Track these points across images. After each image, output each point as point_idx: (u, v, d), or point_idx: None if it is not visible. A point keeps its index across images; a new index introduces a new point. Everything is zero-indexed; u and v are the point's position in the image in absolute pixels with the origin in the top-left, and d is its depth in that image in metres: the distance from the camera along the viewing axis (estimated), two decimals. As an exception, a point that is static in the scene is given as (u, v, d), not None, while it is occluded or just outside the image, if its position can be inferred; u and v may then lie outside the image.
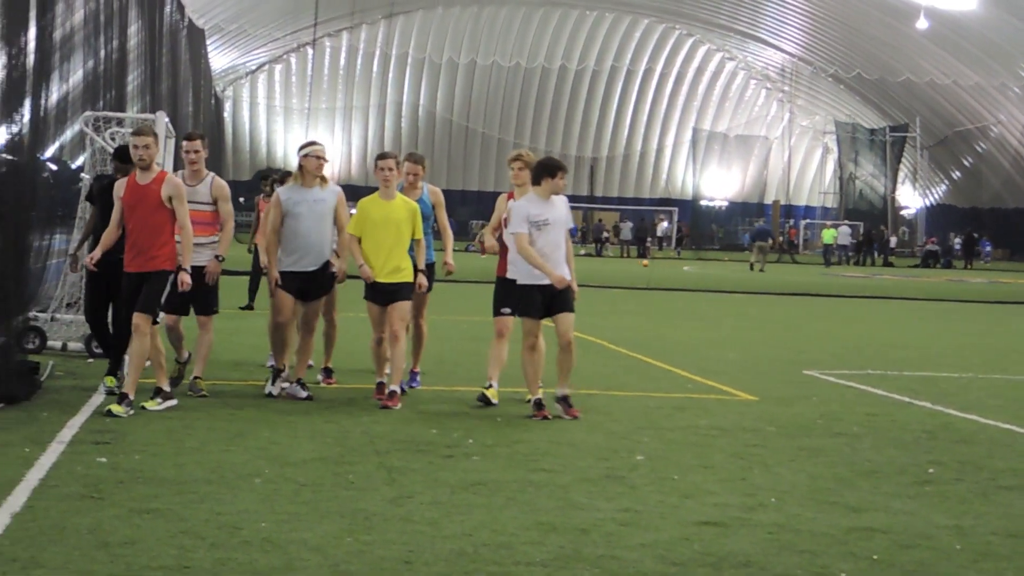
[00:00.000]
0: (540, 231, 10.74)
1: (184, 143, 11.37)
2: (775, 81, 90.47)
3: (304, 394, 11.09)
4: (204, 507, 6.88)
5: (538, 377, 10.95)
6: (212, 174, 11.44)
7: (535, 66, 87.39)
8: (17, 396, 10.02)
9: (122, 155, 11.22)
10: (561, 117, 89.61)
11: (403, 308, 11.12)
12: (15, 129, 11.51)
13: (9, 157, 11.53)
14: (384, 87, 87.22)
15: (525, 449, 9.17)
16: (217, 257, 11.15)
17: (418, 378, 12.21)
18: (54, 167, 19.34)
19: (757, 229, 56.42)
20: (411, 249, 11.38)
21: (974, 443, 10.31)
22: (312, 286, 11.29)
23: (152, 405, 10.10)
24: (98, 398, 10.69)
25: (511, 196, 11.49)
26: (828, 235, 65.05)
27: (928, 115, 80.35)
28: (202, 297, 11.10)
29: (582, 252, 63.59)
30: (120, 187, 10.32)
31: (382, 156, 11.30)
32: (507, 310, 11.27)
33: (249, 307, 20.39)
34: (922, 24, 64.56)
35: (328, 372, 12.25)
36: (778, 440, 10.07)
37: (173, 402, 10.34)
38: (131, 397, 9.94)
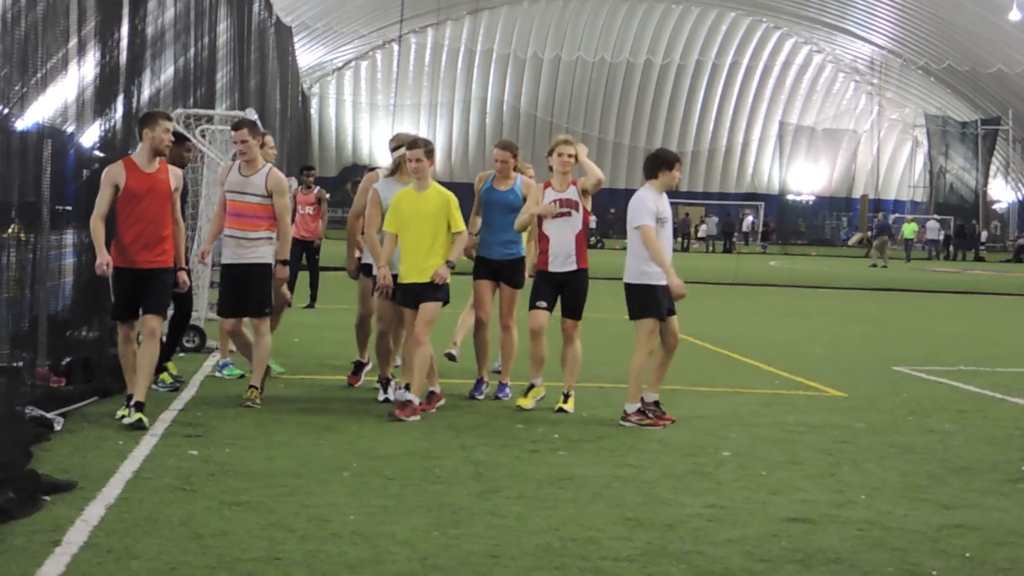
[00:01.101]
0: (661, 228, 10.10)
1: (232, 133, 10.83)
2: (864, 74, 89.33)
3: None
4: (293, 500, 6.96)
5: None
6: (270, 165, 10.82)
7: (620, 61, 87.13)
8: (111, 390, 10.19)
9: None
10: (646, 112, 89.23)
11: (429, 310, 10.17)
12: (108, 126, 11.73)
13: (101, 154, 11.73)
14: (469, 83, 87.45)
15: (611, 444, 9.16)
16: (281, 262, 10.53)
17: (507, 389, 11.30)
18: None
19: (880, 224, 55.47)
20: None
21: (1069, 440, 10.12)
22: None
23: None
24: (191, 391, 10.84)
25: (548, 185, 10.72)
26: (908, 229, 64.05)
27: (1021, 107, 78.86)
28: (255, 298, 10.45)
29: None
30: (117, 174, 9.45)
31: (411, 145, 10.39)
32: (543, 304, 10.66)
33: (311, 306, 19.89)
34: (1015, 15, 63.37)
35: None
36: (867, 437, 9.96)
37: None
38: (143, 401, 9.26)
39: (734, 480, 8.06)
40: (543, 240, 10.73)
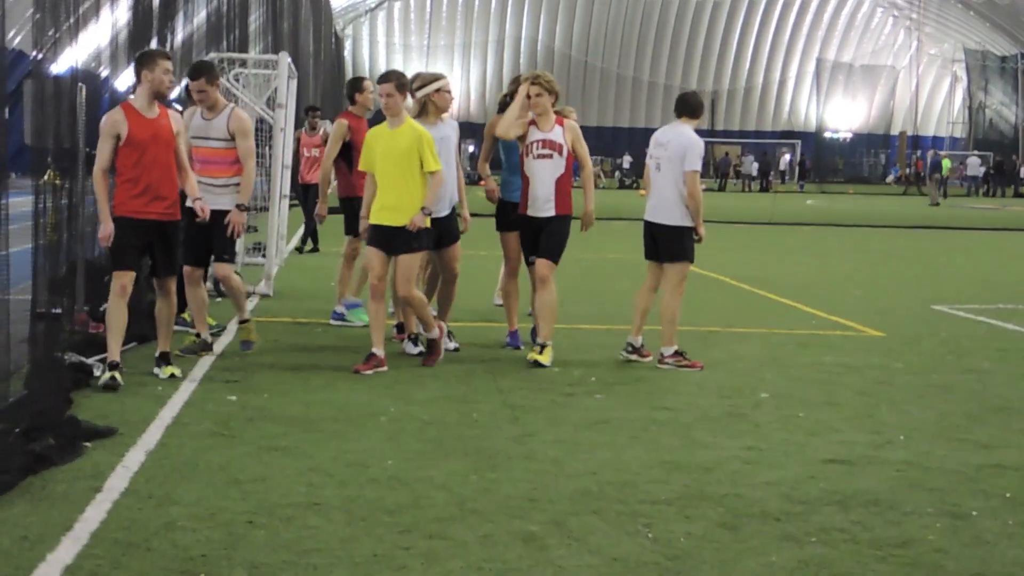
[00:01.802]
0: None
1: (189, 82, 10.15)
2: (902, 8, 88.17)
3: (416, 350, 10.30)
4: (332, 445, 6.98)
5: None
6: (231, 105, 10.31)
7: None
8: (149, 336, 10.21)
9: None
10: (681, 49, 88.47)
11: (407, 266, 9.61)
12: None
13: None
14: (503, 22, 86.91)
15: (647, 387, 9.15)
16: (240, 207, 9.94)
17: (517, 337, 10.82)
18: (179, 108, 19.71)
19: (932, 161, 54.85)
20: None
21: (1110, 379, 10.04)
22: (446, 232, 10.31)
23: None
24: (227, 337, 10.87)
25: (533, 123, 10.22)
26: (944, 165, 63.49)
27: (1062, 40, 77.75)
28: (219, 244, 9.98)
29: (703, 187, 62.94)
30: (118, 122, 8.74)
31: (381, 79, 9.76)
32: (533, 259, 10.28)
33: (315, 249, 19.79)
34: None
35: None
36: (906, 377, 9.91)
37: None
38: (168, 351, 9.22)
39: (771, 422, 8.04)
40: (524, 182, 10.26)
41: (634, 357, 10.24)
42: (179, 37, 14.73)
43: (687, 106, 10.32)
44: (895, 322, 13.17)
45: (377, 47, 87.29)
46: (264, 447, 6.87)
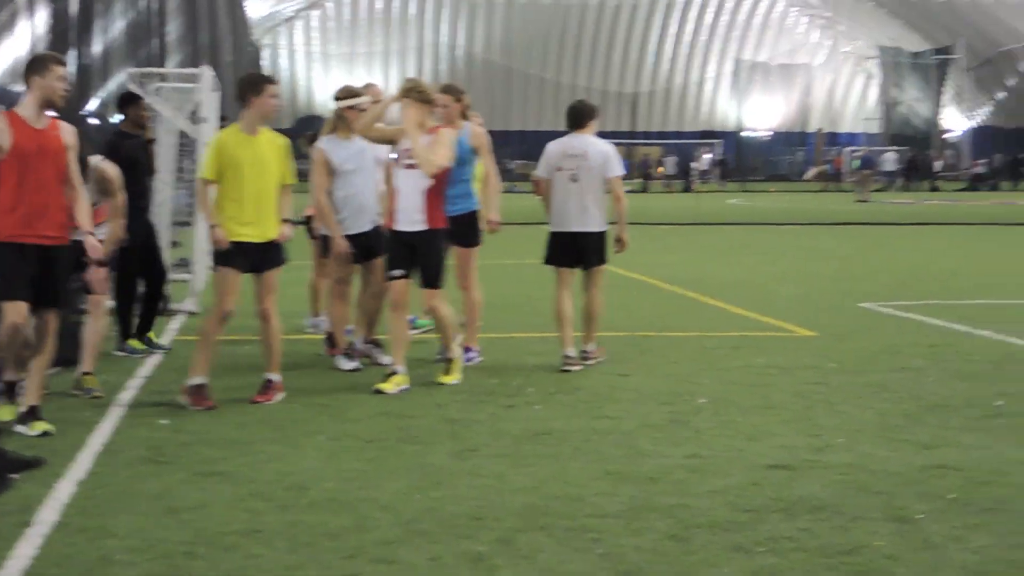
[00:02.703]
0: None
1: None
2: (816, 7, 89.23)
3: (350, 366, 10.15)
4: (270, 467, 6.84)
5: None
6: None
7: (573, 2, 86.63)
8: (73, 359, 9.94)
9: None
10: (601, 52, 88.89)
11: (276, 280, 9.13)
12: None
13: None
14: (422, 29, 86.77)
15: (586, 396, 9.09)
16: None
17: (473, 353, 10.54)
18: (96, 121, 19.29)
19: (863, 158, 55.44)
20: None
21: (1041, 373, 10.14)
22: (376, 245, 10.13)
23: None
24: (155, 357, 10.66)
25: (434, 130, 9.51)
26: (856, 163, 64.60)
27: (972, 36, 79.02)
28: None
29: (627, 188, 63.18)
30: (1, 131, 7.63)
31: (269, 80, 9.24)
32: (398, 272, 9.64)
33: None
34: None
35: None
36: (840, 377, 9.94)
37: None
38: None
39: (711, 428, 8.01)
40: (391, 195, 9.65)
41: (591, 362, 10.38)
42: (97, 48, 14.48)
43: (589, 114, 10.54)
44: (825, 321, 13.23)
45: (296, 56, 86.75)
46: (200, 472, 6.71)
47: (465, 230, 10.37)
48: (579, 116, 10.51)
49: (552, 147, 10.65)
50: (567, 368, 10.13)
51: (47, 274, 7.78)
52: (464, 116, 10.28)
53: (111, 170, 9.46)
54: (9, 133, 7.63)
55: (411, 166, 9.39)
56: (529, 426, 7.99)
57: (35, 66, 7.89)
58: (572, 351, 10.27)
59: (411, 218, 9.42)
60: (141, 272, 10.90)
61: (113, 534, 5.59)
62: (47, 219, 7.73)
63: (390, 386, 9.16)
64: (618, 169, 10.46)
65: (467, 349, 10.43)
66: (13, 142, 7.63)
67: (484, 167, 10.60)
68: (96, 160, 9.50)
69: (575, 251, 10.43)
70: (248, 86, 9.00)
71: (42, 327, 7.90)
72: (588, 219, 10.34)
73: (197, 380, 8.65)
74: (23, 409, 7.82)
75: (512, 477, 6.68)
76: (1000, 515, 6.03)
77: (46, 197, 7.73)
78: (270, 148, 8.93)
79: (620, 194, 10.45)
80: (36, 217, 7.68)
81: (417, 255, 9.50)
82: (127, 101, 11.37)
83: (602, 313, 10.59)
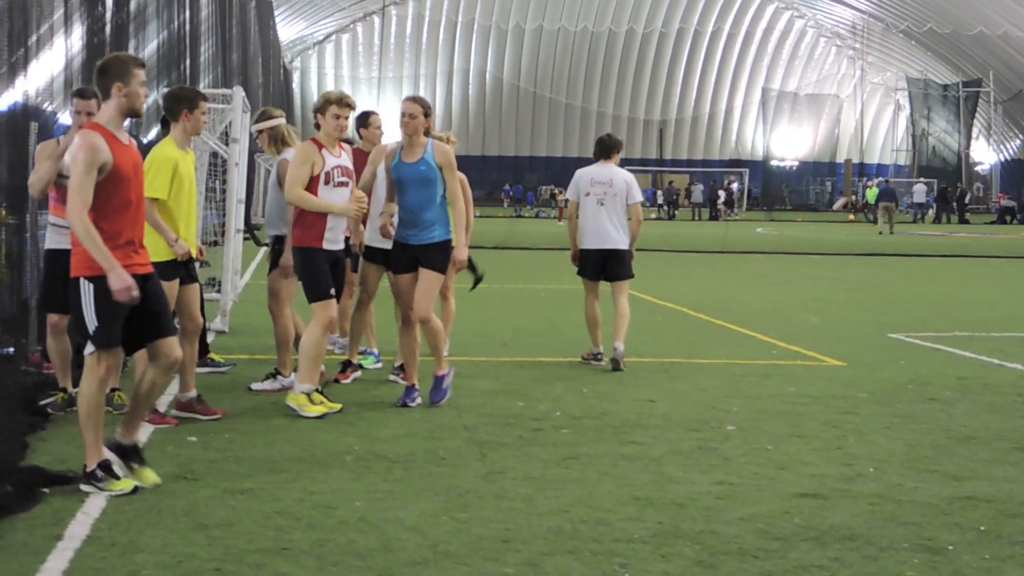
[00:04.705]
0: None
1: (76, 100, 8.57)
2: (845, 38, 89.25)
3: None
4: (298, 486, 6.84)
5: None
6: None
7: (602, 30, 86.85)
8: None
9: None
10: (629, 80, 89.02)
11: (197, 292, 9.09)
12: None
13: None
14: (451, 54, 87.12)
15: (614, 421, 9.06)
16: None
17: (445, 383, 9.64)
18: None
19: (882, 189, 55.26)
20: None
21: (1072, 407, 10.06)
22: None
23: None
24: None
25: (322, 146, 9.27)
26: (871, 194, 64.35)
27: (1002, 69, 78.85)
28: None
29: (652, 216, 63.23)
30: (100, 149, 6.60)
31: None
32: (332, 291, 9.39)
33: None
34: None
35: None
36: (870, 407, 9.89)
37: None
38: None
39: (741, 455, 7.97)
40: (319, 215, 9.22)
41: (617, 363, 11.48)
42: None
43: (615, 147, 12.18)
44: (854, 351, 13.17)
45: (325, 79, 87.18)
46: (228, 489, 6.71)
47: (433, 256, 9.45)
48: (608, 148, 12.12)
49: (581, 174, 12.12)
50: (604, 365, 11.65)
51: (149, 306, 6.84)
52: (427, 133, 9.63)
53: None
54: (108, 151, 6.63)
55: (341, 184, 9.24)
56: (557, 450, 7.97)
57: (115, 70, 6.76)
58: (600, 348, 11.86)
59: (337, 237, 9.33)
60: None
61: (142, 549, 5.59)
62: (141, 247, 6.95)
63: (310, 408, 8.94)
64: (638, 196, 12.05)
65: (410, 388, 9.67)
66: (114, 163, 6.65)
67: (450, 190, 9.53)
68: None
69: (602, 265, 11.87)
70: (184, 101, 8.76)
71: (165, 361, 7.00)
72: (614, 238, 11.85)
73: (193, 393, 8.92)
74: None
75: (539, 500, 6.66)
76: (1032, 547, 5.98)
77: (141, 222, 6.94)
78: (192, 164, 8.90)
79: (640, 217, 12.12)
80: (137, 244, 6.87)
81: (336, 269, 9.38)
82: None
83: (628, 316, 11.80)
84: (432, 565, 5.48)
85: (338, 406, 9.12)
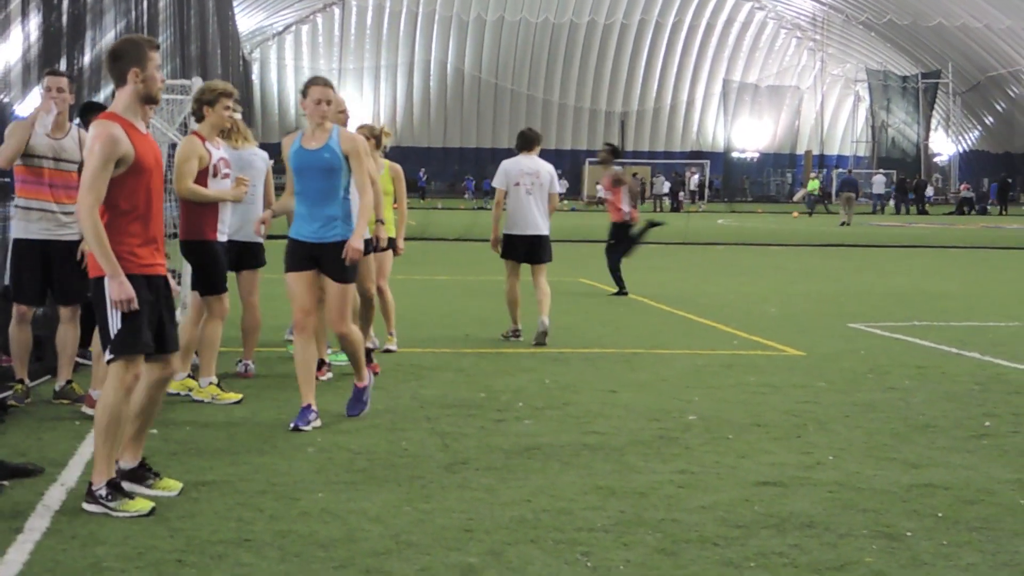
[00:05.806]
0: None
1: (48, 77, 8.58)
2: (806, 30, 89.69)
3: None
4: (259, 478, 6.83)
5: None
6: (76, 123, 9.14)
7: (564, 21, 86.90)
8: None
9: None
10: (590, 72, 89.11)
11: None
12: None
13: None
14: (412, 46, 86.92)
15: (576, 411, 9.09)
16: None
17: (364, 394, 8.92)
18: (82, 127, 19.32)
19: (843, 180, 55.49)
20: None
21: (1029, 395, 10.18)
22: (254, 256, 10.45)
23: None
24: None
25: (204, 139, 9.23)
26: (812, 185, 64.80)
27: (960, 60, 79.52)
28: (67, 281, 8.81)
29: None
30: (120, 140, 6.14)
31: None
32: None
33: None
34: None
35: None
36: (830, 396, 9.96)
37: None
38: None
39: (702, 444, 8.01)
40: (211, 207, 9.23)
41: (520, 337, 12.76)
42: (87, 58, 14.46)
43: (537, 139, 13.13)
44: (814, 341, 13.27)
45: (285, 70, 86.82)
46: (190, 482, 6.68)
47: (333, 260, 8.51)
48: (531, 141, 13.04)
49: (511, 164, 12.97)
50: (511, 338, 12.80)
51: (164, 302, 6.51)
52: (343, 124, 9.18)
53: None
54: (129, 143, 6.20)
55: (227, 175, 9.36)
56: (519, 440, 7.99)
57: (131, 54, 6.27)
58: (518, 325, 12.89)
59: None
60: None
61: (103, 541, 5.57)
62: (161, 246, 6.52)
63: (224, 395, 9.21)
64: (557, 186, 13.19)
65: (358, 389, 8.97)
66: (136, 155, 6.22)
67: (358, 181, 8.53)
68: None
69: (528, 249, 12.84)
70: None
71: (160, 375, 6.61)
72: (539, 224, 12.87)
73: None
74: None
75: (502, 490, 6.67)
76: (987, 533, 6.05)
77: (160, 217, 6.51)
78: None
79: (558, 206, 13.35)
80: (158, 242, 6.46)
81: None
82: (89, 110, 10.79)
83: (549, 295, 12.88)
84: (395, 555, 5.48)
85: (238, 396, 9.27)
